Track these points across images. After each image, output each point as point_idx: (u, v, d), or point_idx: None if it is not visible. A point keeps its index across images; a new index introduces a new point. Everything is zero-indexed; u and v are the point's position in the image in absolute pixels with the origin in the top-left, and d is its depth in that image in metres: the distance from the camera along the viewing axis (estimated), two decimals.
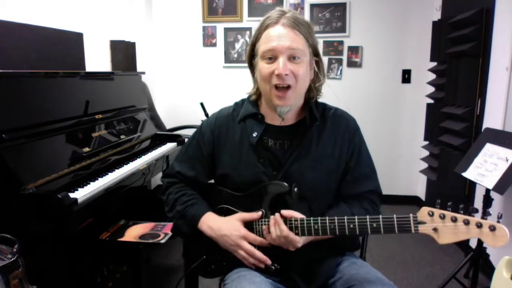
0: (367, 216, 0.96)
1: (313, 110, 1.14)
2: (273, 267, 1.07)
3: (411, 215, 0.91)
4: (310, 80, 1.12)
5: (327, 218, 1.01)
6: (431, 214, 0.89)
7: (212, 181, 1.25)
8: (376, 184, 1.19)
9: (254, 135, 1.13)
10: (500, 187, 1.75)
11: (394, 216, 0.93)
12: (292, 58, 1.04)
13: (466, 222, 0.86)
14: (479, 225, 0.84)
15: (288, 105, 1.07)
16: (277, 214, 1.03)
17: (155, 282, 2.20)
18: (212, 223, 1.12)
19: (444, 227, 0.88)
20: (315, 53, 1.11)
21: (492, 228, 0.83)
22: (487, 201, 1.89)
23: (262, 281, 1.05)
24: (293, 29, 1.04)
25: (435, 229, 0.89)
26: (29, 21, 1.80)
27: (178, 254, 1.33)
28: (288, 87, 1.05)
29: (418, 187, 3.49)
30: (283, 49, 1.03)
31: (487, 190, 1.88)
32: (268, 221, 1.06)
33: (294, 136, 1.13)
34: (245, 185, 1.13)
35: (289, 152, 1.12)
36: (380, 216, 0.95)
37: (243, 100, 1.24)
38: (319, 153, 1.12)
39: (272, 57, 1.05)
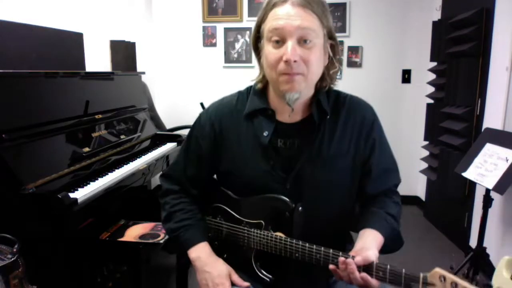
0: (375, 264, 0.87)
1: (322, 103, 1.02)
2: (268, 279, 1.03)
3: (421, 274, 0.83)
4: (323, 66, 0.98)
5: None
6: (443, 280, 0.82)
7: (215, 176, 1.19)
8: (399, 176, 1.12)
9: (265, 134, 1.01)
10: (500, 187, 1.75)
11: (403, 270, 0.84)
12: (303, 41, 0.91)
13: None
14: None
15: (297, 91, 0.94)
16: (354, 266, 0.87)
17: (155, 282, 2.20)
18: (202, 255, 1.05)
19: None
20: (330, 35, 0.96)
21: None
22: (487, 201, 1.89)
23: None
24: (304, 7, 0.90)
25: None
26: (29, 21, 1.80)
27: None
28: (298, 74, 0.93)
29: (418, 187, 3.49)
30: (293, 29, 0.89)
31: (487, 190, 1.88)
32: (267, 235, 1.01)
33: (304, 134, 1.02)
34: (250, 185, 1.04)
35: (299, 152, 1.02)
36: (388, 265, 0.86)
37: (248, 90, 1.10)
38: (332, 152, 1.02)
39: (279, 40, 0.91)
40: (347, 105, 1.06)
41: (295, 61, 0.90)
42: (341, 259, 0.89)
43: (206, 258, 1.05)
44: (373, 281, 0.87)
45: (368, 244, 0.94)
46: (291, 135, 1.03)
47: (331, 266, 0.91)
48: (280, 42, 0.92)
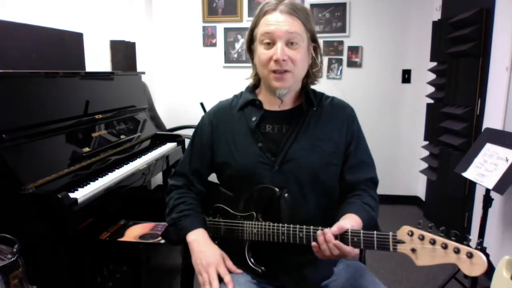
0: (350, 230, 0.94)
1: (310, 95, 1.15)
2: (260, 270, 1.07)
3: (390, 233, 0.89)
4: (308, 65, 1.13)
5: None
6: (411, 234, 0.86)
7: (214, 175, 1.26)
8: (375, 172, 1.20)
9: (253, 119, 1.13)
10: (500, 187, 1.75)
11: (375, 232, 0.91)
12: (290, 43, 1.05)
13: (444, 246, 0.82)
14: (457, 251, 0.81)
15: (286, 87, 1.09)
16: (331, 235, 0.94)
17: (155, 282, 2.20)
18: (200, 238, 1.12)
19: (422, 249, 0.85)
20: (313, 38, 1.11)
21: (469, 255, 0.79)
22: (487, 201, 1.89)
23: (247, 282, 1.06)
24: (291, 15, 1.05)
25: (413, 250, 0.85)
26: (29, 21, 1.80)
27: (178, 256, 1.33)
28: (286, 71, 1.06)
29: (418, 187, 3.49)
30: (281, 34, 1.04)
31: (487, 190, 1.88)
32: (256, 224, 1.08)
33: (291, 120, 1.14)
34: (244, 172, 1.12)
35: (287, 135, 1.12)
36: (362, 231, 0.93)
37: (241, 92, 1.25)
38: (317, 135, 1.12)
39: (270, 43, 1.06)
40: (330, 102, 1.19)
41: (284, 60, 1.04)
42: (319, 231, 0.97)
43: (203, 241, 1.12)
44: (347, 248, 0.93)
45: (344, 219, 1.01)
46: (279, 121, 1.15)
47: (313, 243, 0.97)
48: (270, 44, 1.06)
